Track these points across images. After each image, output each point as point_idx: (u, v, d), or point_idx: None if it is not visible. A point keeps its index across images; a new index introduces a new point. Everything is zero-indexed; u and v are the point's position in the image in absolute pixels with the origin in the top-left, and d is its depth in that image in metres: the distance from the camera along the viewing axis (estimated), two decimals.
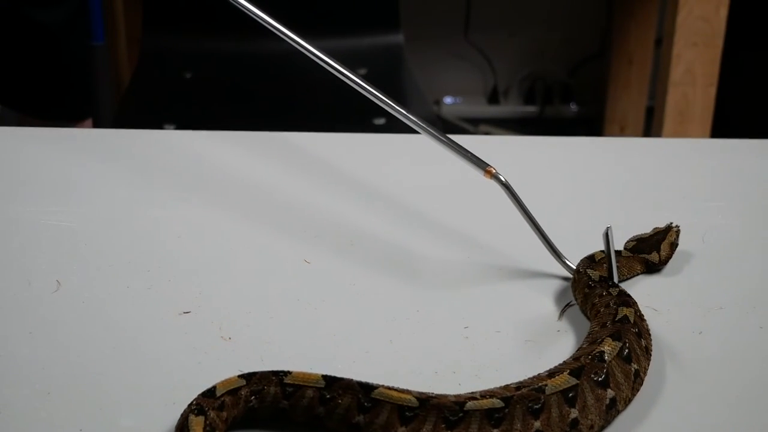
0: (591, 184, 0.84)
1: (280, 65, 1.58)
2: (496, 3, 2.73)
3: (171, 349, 0.55)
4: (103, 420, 0.48)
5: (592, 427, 0.48)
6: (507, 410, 0.46)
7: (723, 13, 1.79)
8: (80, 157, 0.85)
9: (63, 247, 0.68)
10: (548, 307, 0.61)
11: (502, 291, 0.63)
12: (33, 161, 0.84)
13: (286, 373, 0.48)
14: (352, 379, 0.47)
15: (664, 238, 0.66)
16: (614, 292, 0.57)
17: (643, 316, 0.56)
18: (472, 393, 0.47)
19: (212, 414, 0.45)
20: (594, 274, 0.60)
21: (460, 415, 0.45)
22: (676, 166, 0.88)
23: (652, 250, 0.65)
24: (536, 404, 0.46)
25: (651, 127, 2.03)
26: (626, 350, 0.51)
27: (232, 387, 0.47)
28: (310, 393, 0.47)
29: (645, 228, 0.69)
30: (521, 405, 0.46)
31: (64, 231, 0.70)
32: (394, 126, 0.66)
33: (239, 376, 0.47)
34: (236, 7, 0.66)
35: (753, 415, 0.50)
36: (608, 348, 0.50)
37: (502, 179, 0.62)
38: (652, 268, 0.66)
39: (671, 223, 0.68)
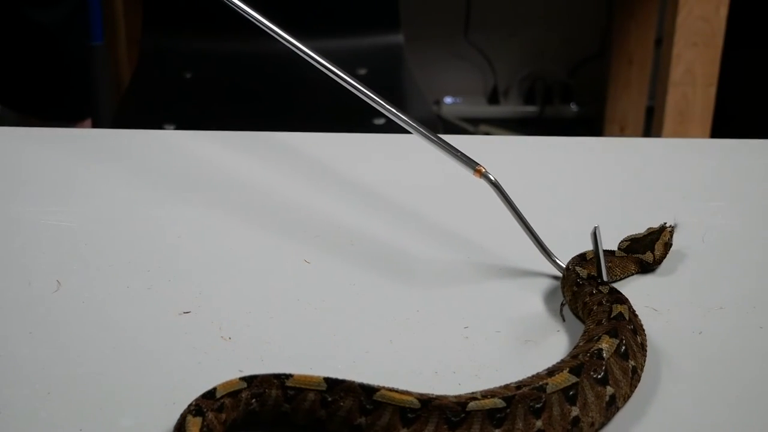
0: (591, 184, 0.84)
1: (280, 65, 1.58)
2: (496, 3, 2.73)
3: (171, 349, 0.55)
4: (103, 420, 0.48)
5: (593, 424, 0.48)
6: (509, 410, 0.46)
7: (723, 12, 1.79)
8: (80, 157, 0.85)
9: (63, 247, 0.68)
10: (548, 307, 0.61)
11: (502, 291, 0.63)
12: (33, 161, 0.84)
13: (288, 376, 0.47)
14: (353, 382, 0.47)
15: (658, 238, 0.66)
16: (604, 290, 0.58)
17: (635, 311, 0.56)
18: (473, 393, 0.47)
19: (210, 415, 0.45)
20: (582, 271, 0.60)
21: (462, 415, 0.45)
22: (676, 166, 0.88)
23: (646, 250, 0.66)
24: (537, 403, 0.46)
25: (651, 127, 2.03)
26: (623, 347, 0.51)
27: (232, 389, 0.47)
28: (311, 396, 0.47)
29: (645, 228, 0.69)
30: (523, 404, 0.46)
31: (64, 231, 0.70)
32: (394, 126, 0.66)
33: (240, 379, 0.47)
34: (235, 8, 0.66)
35: (753, 415, 0.50)
36: (606, 345, 0.50)
37: (492, 178, 0.63)
38: (647, 268, 0.66)
39: (665, 223, 0.68)
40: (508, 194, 0.63)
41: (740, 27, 2.02)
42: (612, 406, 0.49)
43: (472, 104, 2.81)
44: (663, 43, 1.89)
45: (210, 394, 0.46)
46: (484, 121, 2.79)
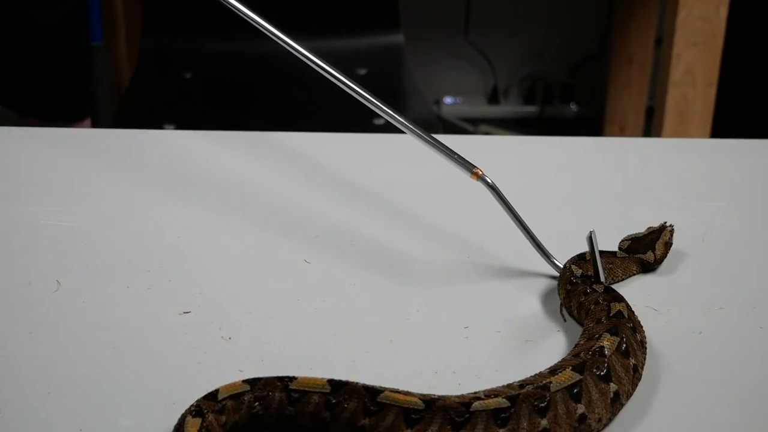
0: (591, 184, 0.84)
1: (280, 65, 1.57)
2: (496, 3, 2.73)
3: (171, 349, 0.55)
4: (103, 420, 0.48)
5: (600, 420, 0.48)
6: (513, 409, 0.45)
7: (723, 13, 1.79)
8: (80, 157, 0.85)
9: (63, 247, 0.68)
10: (548, 307, 0.61)
11: (502, 291, 0.63)
12: (33, 161, 0.84)
13: (292, 379, 0.47)
14: (357, 383, 0.47)
15: (658, 238, 0.66)
16: (599, 288, 0.58)
17: (632, 309, 0.56)
18: (476, 393, 0.47)
19: (210, 417, 0.45)
20: (577, 270, 0.60)
21: (466, 416, 0.45)
22: (676, 166, 0.88)
23: (647, 250, 0.66)
24: (542, 402, 0.46)
25: (651, 127, 2.03)
26: (624, 345, 0.51)
27: (235, 392, 0.46)
28: (315, 398, 0.47)
29: (644, 228, 0.69)
30: (527, 403, 0.46)
31: (64, 231, 0.70)
32: (393, 126, 0.66)
33: (244, 381, 0.47)
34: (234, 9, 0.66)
35: (753, 415, 0.50)
36: (607, 343, 0.50)
37: (489, 181, 0.63)
38: (648, 268, 0.66)
39: (665, 223, 0.68)
40: (505, 196, 0.63)
41: (741, 29, 2.03)
42: (616, 403, 0.49)
43: (472, 104, 2.81)
44: (663, 43, 1.89)
45: (212, 396, 0.46)
46: (484, 121, 2.79)
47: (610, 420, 0.48)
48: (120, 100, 1.78)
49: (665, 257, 0.66)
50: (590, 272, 0.61)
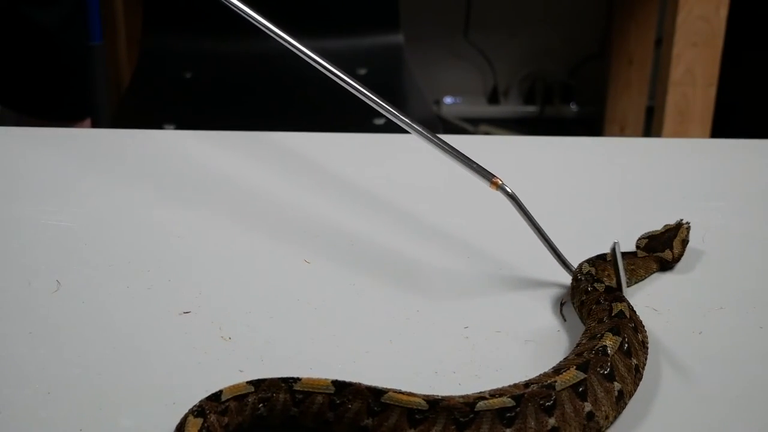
0: (591, 184, 0.84)
1: (280, 65, 1.58)
2: (496, 3, 2.73)
3: (171, 349, 0.55)
4: (103, 420, 0.48)
5: (607, 417, 0.48)
6: (519, 409, 0.45)
7: (723, 13, 1.79)
8: (80, 157, 0.85)
9: (63, 247, 0.68)
10: (548, 307, 0.61)
11: (502, 291, 0.63)
12: (33, 161, 0.84)
13: (296, 380, 0.47)
14: (361, 384, 0.47)
15: (675, 236, 0.66)
16: (600, 287, 0.57)
17: (633, 308, 0.56)
18: (481, 393, 0.47)
19: (212, 417, 0.45)
20: (585, 267, 0.60)
21: (471, 416, 0.45)
22: (676, 166, 0.88)
23: (665, 248, 0.65)
24: (548, 401, 0.46)
25: (651, 127, 2.03)
26: (626, 345, 0.51)
27: (238, 393, 0.46)
28: (320, 399, 0.47)
29: (645, 228, 0.69)
30: (533, 403, 0.46)
31: (64, 231, 0.70)
32: (394, 126, 0.66)
33: (248, 383, 0.47)
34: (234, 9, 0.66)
35: (753, 415, 0.50)
36: (610, 342, 0.50)
37: (509, 190, 0.61)
38: (666, 266, 0.66)
39: (681, 220, 0.68)
40: (525, 206, 0.62)
41: (742, 29, 2.02)
42: (621, 401, 0.49)
43: (472, 104, 2.81)
44: (663, 43, 1.89)
45: (215, 397, 0.46)
46: (484, 121, 2.79)
47: (615, 418, 0.49)
48: (120, 100, 1.78)
49: (682, 255, 0.66)
50: (606, 273, 0.60)
